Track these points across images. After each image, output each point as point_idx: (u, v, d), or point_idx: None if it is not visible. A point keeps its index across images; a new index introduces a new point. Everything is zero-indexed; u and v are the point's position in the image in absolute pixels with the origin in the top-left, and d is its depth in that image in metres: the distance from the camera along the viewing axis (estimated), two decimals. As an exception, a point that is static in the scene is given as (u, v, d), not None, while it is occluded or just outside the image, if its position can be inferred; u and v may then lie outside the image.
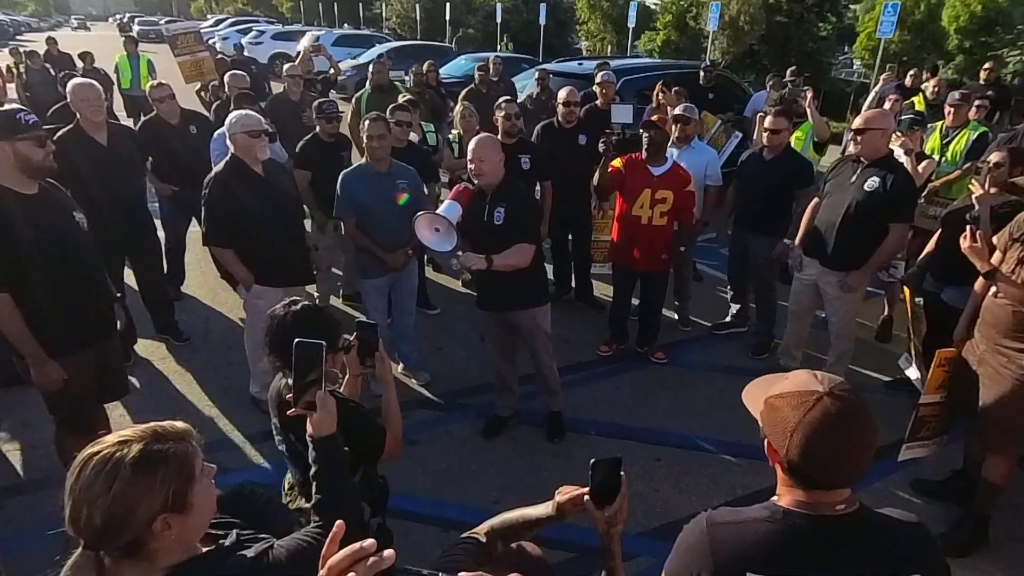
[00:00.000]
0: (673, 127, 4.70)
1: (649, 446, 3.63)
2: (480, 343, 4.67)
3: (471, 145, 3.17)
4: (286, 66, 6.06)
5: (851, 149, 3.75)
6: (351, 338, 1.98)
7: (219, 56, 9.55)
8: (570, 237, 5.20)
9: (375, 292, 3.89)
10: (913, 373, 3.62)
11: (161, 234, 4.78)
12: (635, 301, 4.59)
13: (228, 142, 3.40)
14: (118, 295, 3.12)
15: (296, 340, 1.50)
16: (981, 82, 7.87)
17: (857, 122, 3.67)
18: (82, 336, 2.72)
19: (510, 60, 10.13)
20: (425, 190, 4.14)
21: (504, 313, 3.45)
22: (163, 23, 32.30)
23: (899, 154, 4.39)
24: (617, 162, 4.15)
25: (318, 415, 1.53)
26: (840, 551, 1.19)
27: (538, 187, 4.67)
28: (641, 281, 4.42)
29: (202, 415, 3.75)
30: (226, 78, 6.12)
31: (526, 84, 8.31)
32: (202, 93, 7.95)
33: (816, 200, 3.98)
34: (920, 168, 4.37)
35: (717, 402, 4.02)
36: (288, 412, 1.57)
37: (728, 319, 5.01)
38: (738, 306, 4.97)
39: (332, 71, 7.43)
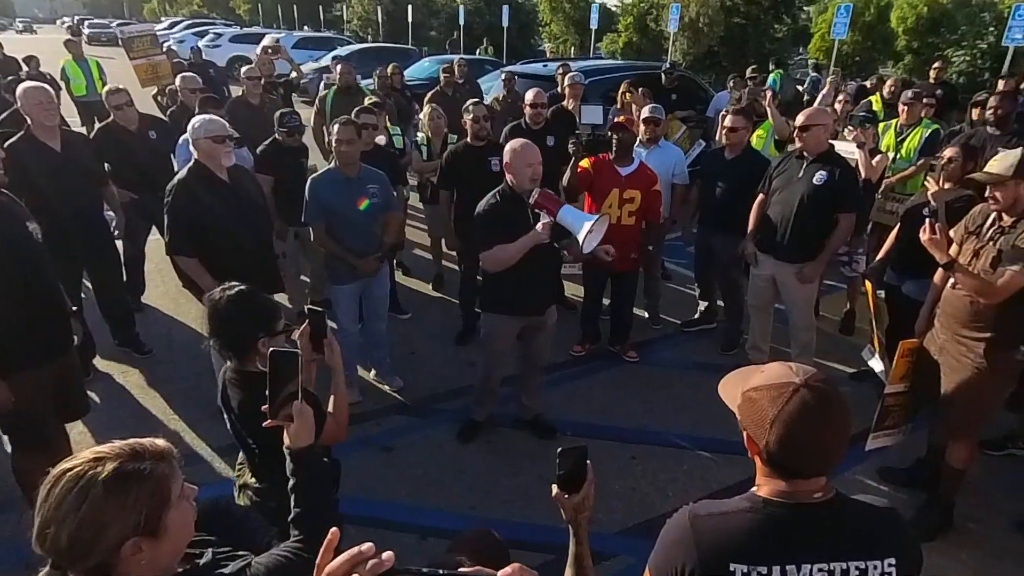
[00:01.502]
0: (642, 128, 4.75)
1: (624, 444, 3.65)
2: (453, 347, 4.65)
3: (526, 151, 3.04)
4: (244, 68, 5.93)
5: (796, 144, 3.88)
6: (287, 321, 2.03)
7: (176, 59, 9.27)
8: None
9: (346, 298, 3.83)
10: (877, 364, 3.71)
11: (119, 243, 4.62)
12: (606, 301, 4.62)
13: (192, 148, 3.30)
14: (75, 308, 3.00)
15: (271, 350, 1.46)
16: (931, 81, 8.17)
17: (800, 119, 3.81)
18: (38, 352, 2.61)
19: (473, 62, 10.09)
20: (394, 193, 4.10)
21: (541, 315, 3.41)
22: (115, 26, 31.32)
23: (852, 148, 4.51)
24: (585, 163, 4.18)
25: (295, 426, 1.48)
26: (819, 538, 1.21)
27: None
28: (611, 281, 4.45)
29: (167, 429, 3.63)
30: (177, 81, 5.95)
31: (492, 86, 8.30)
32: (159, 97, 7.73)
33: (761, 196, 4.08)
34: (874, 163, 4.50)
35: (690, 398, 4.07)
36: (263, 424, 1.52)
37: (696, 316, 5.08)
38: (705, 303, 5.04)
39: (294, 74, 7.27)
